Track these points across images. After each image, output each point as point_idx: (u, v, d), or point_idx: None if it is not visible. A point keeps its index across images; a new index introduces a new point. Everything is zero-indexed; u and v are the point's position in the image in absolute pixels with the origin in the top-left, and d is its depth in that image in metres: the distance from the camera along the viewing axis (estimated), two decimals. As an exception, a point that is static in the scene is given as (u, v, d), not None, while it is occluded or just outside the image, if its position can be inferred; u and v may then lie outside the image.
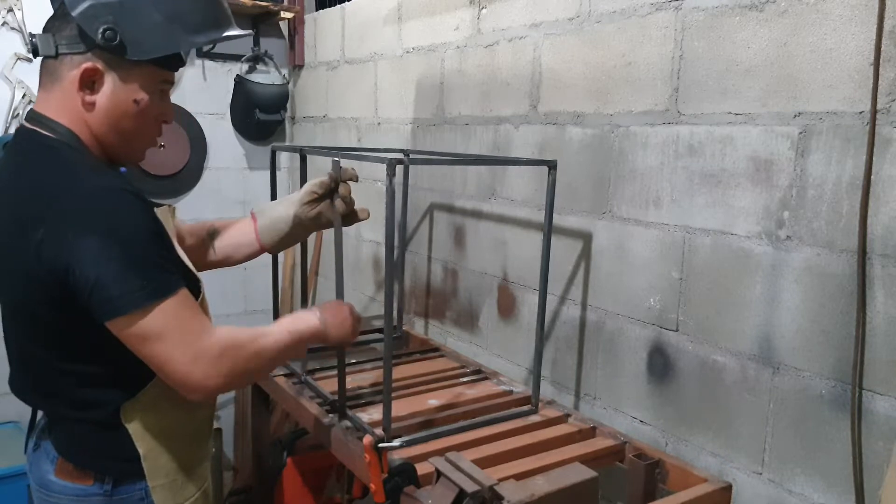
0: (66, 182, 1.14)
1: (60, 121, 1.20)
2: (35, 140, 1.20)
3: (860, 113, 1.27)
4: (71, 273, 1.10)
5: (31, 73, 2.82)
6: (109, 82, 1.19)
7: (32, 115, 1.23)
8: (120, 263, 1.09)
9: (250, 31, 1.28)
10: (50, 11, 1.22)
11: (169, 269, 1.16)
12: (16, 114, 2.82)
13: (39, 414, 1.37)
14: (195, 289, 1.28)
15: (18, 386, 1.33)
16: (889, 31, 1.22)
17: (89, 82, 1.18)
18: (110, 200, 1.13)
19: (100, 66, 1.18)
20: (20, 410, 3.13)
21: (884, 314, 1.26)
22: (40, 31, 1.20)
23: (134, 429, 1.25)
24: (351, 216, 1.61)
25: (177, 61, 1.27)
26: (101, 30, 1.13)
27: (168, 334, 1.13)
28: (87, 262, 1.09)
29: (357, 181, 1.57)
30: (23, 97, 2.82)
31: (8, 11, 2.77)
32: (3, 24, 2.78)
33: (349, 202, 1.57)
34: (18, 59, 2.81)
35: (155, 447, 1.28)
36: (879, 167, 1.25)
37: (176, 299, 1.14)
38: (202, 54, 3.23)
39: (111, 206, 1.12)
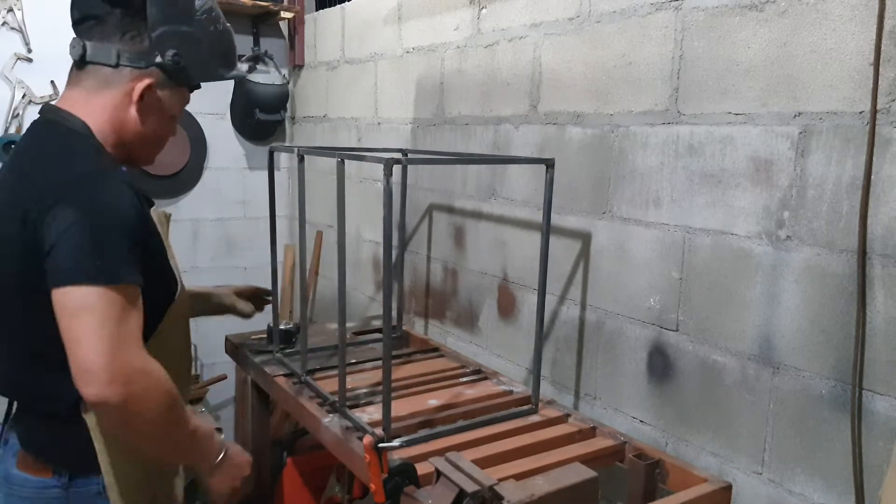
0: (62, 163, 1.22)
1: (80, 116, 1.29)
2: (50, 128, 1.29)
3: (860, 113, 1.27)
4: (41, 234, 1.14)
5: (31, 73, 2.83)
6: (157, 98, 1.33)
7: (50, 108, 1.32)
8: (84, 239, 1.13)
9: (244, 74, 1.63)
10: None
11: (130, 262, 1.17)
12: (16, 114, 2.82)
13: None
14: (170, 290, 1.33)
15: None
16: (889, 31, 1.22)
17: (142, 96, 1.31)
18: (100, 182, 1.19)
19: (154, 82, 1.31)
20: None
21: (884, 314, 1.26)
22: (89, 41, 1.30)
23: (92, 423, 1.26)
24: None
25: (196, 87, 1.42)
26: (171, 53, 1.29)
27: (102, 319, 1.11)
28: (57, 229, 1.13)
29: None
30: (23, 97, 2.82)
31: (8, 11, 2.77)
32: (3, 24, 2.78)
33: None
34: (18, 59, 2.81)
35: (113, 443, 1.28)
36: (879, 167, 1.25)
37: (124, 291, 1.14)
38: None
39: (99, 187, 1.18)
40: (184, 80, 1.35)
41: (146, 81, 1.30)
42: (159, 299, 1.32)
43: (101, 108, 1.29)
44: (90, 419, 1.26)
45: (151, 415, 1.18)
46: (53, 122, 1.29)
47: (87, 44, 1.28)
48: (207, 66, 1.37)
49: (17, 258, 1.18)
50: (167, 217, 1.44)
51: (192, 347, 1.63)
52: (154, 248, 1.29)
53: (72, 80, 1.32)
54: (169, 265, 1.35)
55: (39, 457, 1.29)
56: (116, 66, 1.28)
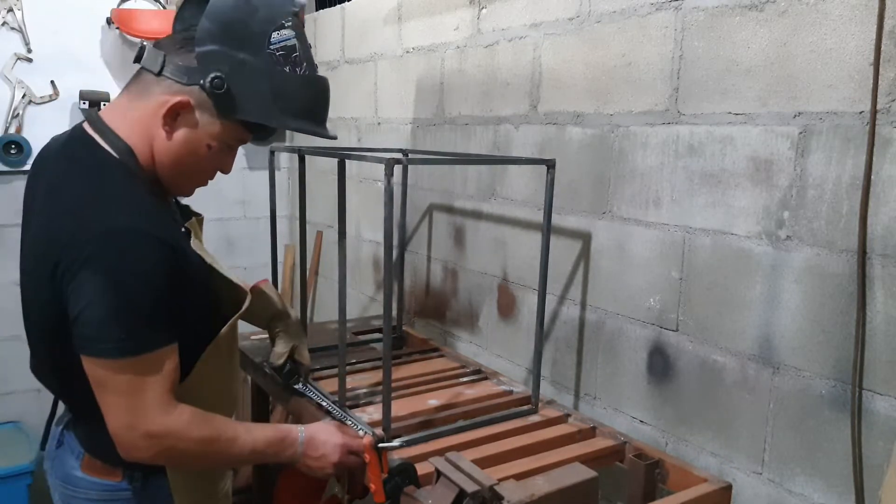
0: (95, 212, 1.14)
1: (124, 135, 1.21)
2: (90, 151, 1.21)
3: (860, 113, 1.27)
4: (67, 297, 1.13)
5: (31, 73, 2.82)
6: (193, 121, 1.21)
7: (96, 120, 1.23)
8: (108, 309, 1.11)
9: (335, 136, 1.37)
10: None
11: (154, 326, 1.15)
12: (16, 114, 2.81)
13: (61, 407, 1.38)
14: (232, 305, 1.32)
15: (43, 370, 1.33)
16: (889, 31, 1.22)
17: (174, 114, 1.20)
18: (124, 242, 1.13)
19: (193, 103, 1.20)
20: (20, 411, 3.12)
21: (884, 314, 1.26)
22: (151, 44, 1.22)
23: None
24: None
25: (264, 131, 1.29)
26: (212, 75, 1.17)
27: (120, 392, 1.14)
28: (82, 296, 1.11)
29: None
30: (23, 97, 2.82)
31: (8, 11, 2.77)
32: (3, 24, 2.78)
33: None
34: (18, 58, 2.81)
35: None
36: (879, 167, 1.25)
37: (146, 360, 1.14)
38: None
39: (122, 248, 1.12)
40: (225, 109, 1.20)
41: (180, 98, 1.18)
42: (212, 319, 1.30)
43: (136, 121, 1.21)
44: None
45: (185, 461, 1.25)
46: (91, 144, 1.21)
47: (146, 45, 1.21)
48: (265, 107, 1.21)
49: (47, 302, 1.16)
50: (200, 221, 1.43)
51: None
52: (196, 278, 1.24)
53: (127, 83, 1.26)
54: (217, 284, 1.31)
55: (107, 460, 1.27)
56: (159, 74, 1.19)
